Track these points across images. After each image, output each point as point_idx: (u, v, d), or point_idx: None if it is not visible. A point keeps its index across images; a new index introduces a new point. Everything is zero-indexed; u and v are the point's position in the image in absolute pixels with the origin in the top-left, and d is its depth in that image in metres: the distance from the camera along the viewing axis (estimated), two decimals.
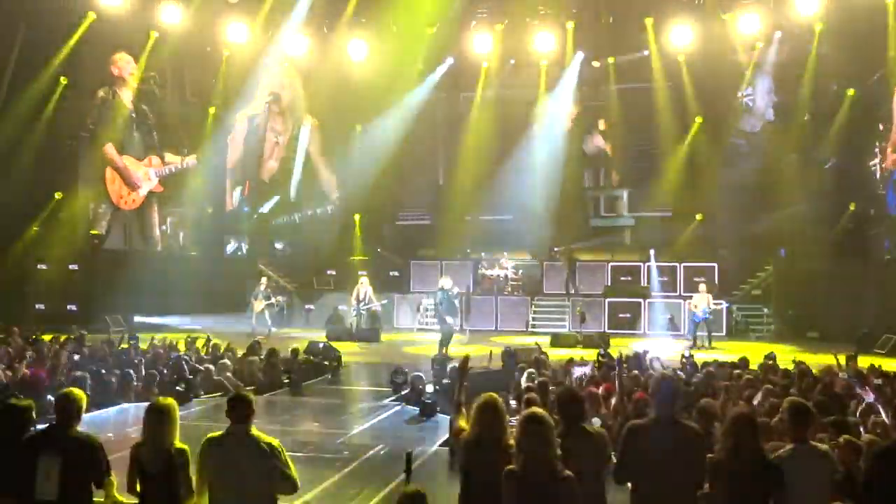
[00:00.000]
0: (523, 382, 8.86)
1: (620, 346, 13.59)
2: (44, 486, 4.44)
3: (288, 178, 24.95)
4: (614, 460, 4.65)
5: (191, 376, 10.93)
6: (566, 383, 8.85)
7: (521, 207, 23.37)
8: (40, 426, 4.87)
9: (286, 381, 11.99)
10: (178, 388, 10.18)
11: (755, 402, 7.60)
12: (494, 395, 4.52)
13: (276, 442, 4.48)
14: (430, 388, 10.63)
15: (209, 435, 4.55)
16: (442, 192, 25.06)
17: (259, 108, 24.37)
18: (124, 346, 12.95)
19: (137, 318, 18.49)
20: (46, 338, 13.19)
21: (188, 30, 21.38)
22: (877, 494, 4.20)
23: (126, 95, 21.34)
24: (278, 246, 24.71)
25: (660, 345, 14.98)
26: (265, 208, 24.57)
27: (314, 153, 25.09)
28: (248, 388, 9.65)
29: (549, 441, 3.99)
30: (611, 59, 23.01)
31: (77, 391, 4.75)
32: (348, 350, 15.95)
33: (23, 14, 17.75)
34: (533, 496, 3.90)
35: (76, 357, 11.24)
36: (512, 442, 4.20)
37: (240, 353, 12.86)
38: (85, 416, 4.77)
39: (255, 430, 4.49)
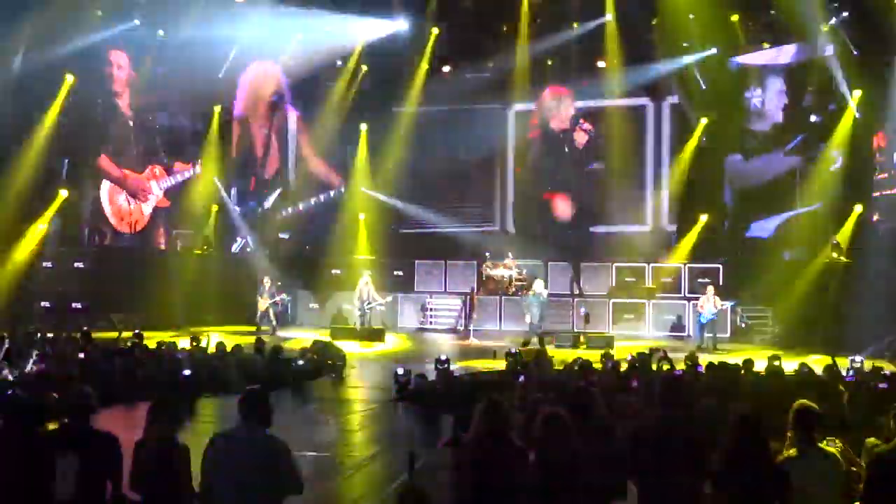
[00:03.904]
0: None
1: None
2: (63, 485, 4.43)
3: (286, 171, 25.01)
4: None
5: (195, 374, 10.96)
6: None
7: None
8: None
9: (290, 379, 12.01)
10: (182, 386, 10.21)
11: None
12: (497, 396, 4.53)
13: (282, 441, 4.46)
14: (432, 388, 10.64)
15: (217, 432, 4.54)
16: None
17: (249, 105, 24.30)
18: (129, 344, 12.97)
19: (141, 317, 18.49)
20: (51, 335, 13.20)
21: (191, 29, 21.32)
22: (878, 496, 4.21)
23: (126, 99, 20.71)
24: (283, 236, 24.74)
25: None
26: (268, 202, 24.58)
27: (303, 144, 25.10)
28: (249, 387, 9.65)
29: (568, 438, 4.01)
30: (615, 60, 22.92)
31: (90, 389, 4.77)
32: (352, 349, 15.97)
33: (28, 10, 17.75)
34: (553, 492, 3.92)
35: (81, 355, 11.28)
36: (517, 441, 4.23)
37: (244, 351, 12.88)
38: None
39: (264, 430, 4.47)
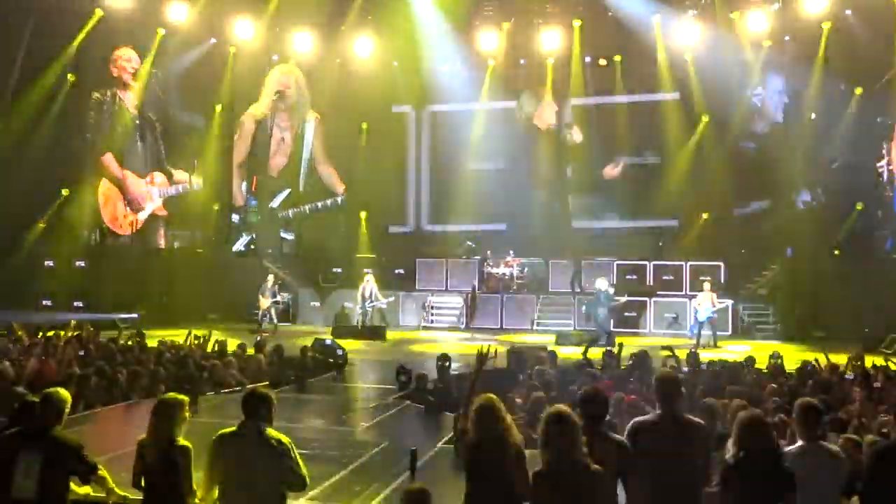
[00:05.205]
0: None
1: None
2: (23, 484, 4.48)
3: (296, 173, 24.99)
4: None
5: (196, 373, 10.95)
6: None
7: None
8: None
9: (292, 378, 12.01)
10: (183, 385, 10.18)
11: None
12: (492, 395, 4.52)
13: (286, 439, 4.47)
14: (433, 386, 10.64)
15: (221, 431, 4.55)
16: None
17: (266, 105, 24.33)
18: (130, 343, 12.98)
19: (142, 315, 18.51)
20: (51, 334, 13.20)
21: (195, 27, 21.32)
22: (877, 493, 4.21)
23: (129, 99, 20.67)
24: (286, 237, 24.74)
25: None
26: (275, 202, 24.60)
27: (317, 148, 25.09)
28: (251, 385, 9.66)
29: (576, 438, 4.00)
30: (617, 58, 22.92)
31: (62, 391, 4.81)
32: (354, 348, 15.97)
33: (32, 9, 17.75)
34: (565, 494, 3.91)
35: (82, 353, 11.28)
36: (514, 440, 4.23)
37: (245, 350, 12.88)
38: (93, 413, 4.80)
39: (267, 427, 4.49)
